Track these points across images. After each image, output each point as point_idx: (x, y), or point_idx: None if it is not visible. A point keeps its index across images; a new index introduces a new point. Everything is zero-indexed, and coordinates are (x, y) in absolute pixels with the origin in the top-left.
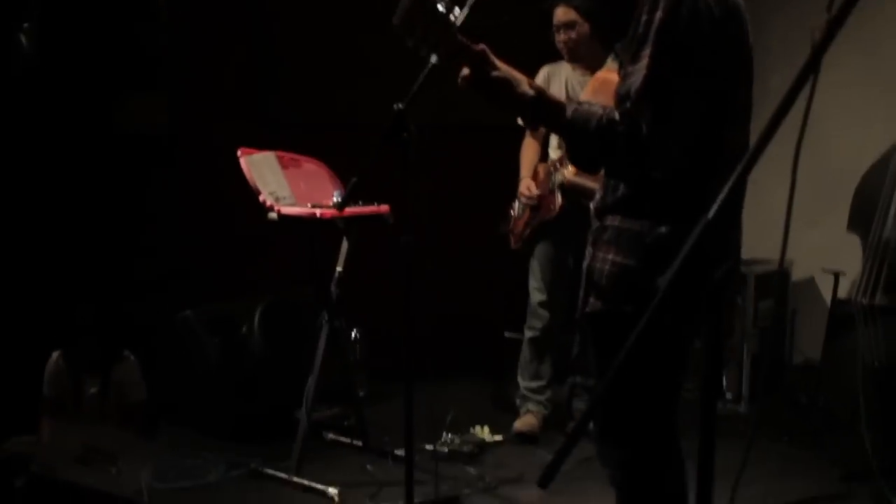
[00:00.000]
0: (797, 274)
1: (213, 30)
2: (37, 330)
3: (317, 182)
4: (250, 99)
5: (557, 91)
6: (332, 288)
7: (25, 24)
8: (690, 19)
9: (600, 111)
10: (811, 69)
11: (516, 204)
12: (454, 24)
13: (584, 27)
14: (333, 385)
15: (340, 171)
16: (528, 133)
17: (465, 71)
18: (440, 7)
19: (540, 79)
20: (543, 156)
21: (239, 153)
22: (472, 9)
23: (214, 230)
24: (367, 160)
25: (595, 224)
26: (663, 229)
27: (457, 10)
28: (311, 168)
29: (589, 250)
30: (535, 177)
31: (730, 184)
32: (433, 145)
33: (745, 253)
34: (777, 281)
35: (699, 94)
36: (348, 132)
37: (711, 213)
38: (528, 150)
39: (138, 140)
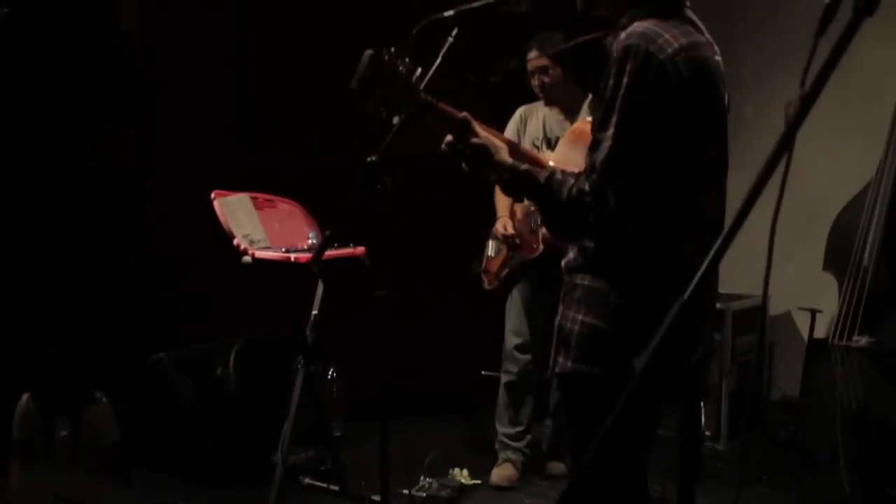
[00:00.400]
0: (774, 309)
1: (188, 63)
2: (5, 371)
3: (292, 223)
4: (225, 133)
5: (534, 132)
6: (308, 331)
7: None
8: (657, 83)
9: (571, 181)
10: (786, 146)
11: (490, 243)
12: (417, 83)
13: (558, 70)
14: (309, 426)
15: (317, 204)
16: None
17: (449, 137)
18: (401, 68)
19: (516, 120)
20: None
21: (213, 195)
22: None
23: (189, 268)
24: (340, 213)
25: (566, 281)
26: (632, 291)
27: (419, 70)
28: (287, 209)
29: (560, 308)
30: (512, 216)
31: (705, 266)
32: (407, 178)
33: (722, 288)
34: (759, 317)
35: (668, 159)
36: (325, 165)
37: (687, 294)
38: None
39: (110, 175)
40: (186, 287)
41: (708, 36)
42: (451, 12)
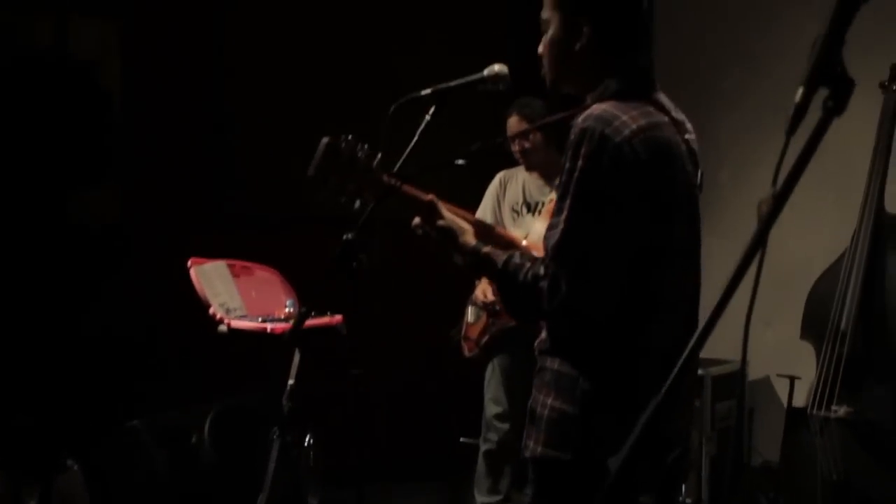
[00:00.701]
0: (753, 374)
1: (169, 123)
2: None
3: (269, 291)
4: (205, 192)
5: (514, 196)
6: (284, 401)
7: None
8: (612, 166)
9: (528, 265)
10: (758, 244)
11: (470, 309)
12: (378, 168)
13: (538, 136)
14: (285, 496)
15: (294, 266)
16: None
17: (417, 220)
18: (359, 154)
19: (496, 185)
20: None
21: (189, 263)
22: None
23: (165, 331)
24: (316, 290)
25: (538, 363)
26: (601, 374)
27: (379, 155)
28: (264, 276)
29: (533, 390)
30: (490, 283)
31: (679, 364)
32: (384, 242)
33: (701, 353)
34: (738, 382)
35: (624, 241)
36: (303, 226)
37: (661, 394)
38: None
39: (89, 234)
40: (162, 351)
41: (677, 115)
42: (427, 91)
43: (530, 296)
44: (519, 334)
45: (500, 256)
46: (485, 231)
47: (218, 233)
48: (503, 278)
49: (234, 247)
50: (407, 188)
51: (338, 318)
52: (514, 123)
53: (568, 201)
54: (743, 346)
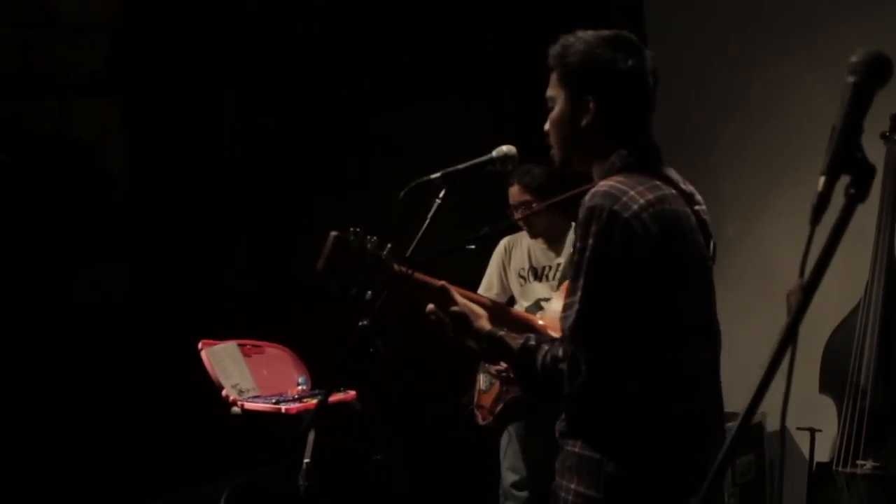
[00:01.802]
0: (771, 427)
1: (170, 201)
2: None
3: (281, 369)
4: (208, 267)
5: (520, 262)
6: (301, 480)
7: None
8: (623, 243)
9: (546, 348)
10: (791, 336)
11: (481, 377)
12: (386, 259)
13: (541, 203)
14: None
15: (302, 338)
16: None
17: (430, 307)
18: (368, 246)
19: (500, 251)
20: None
21: (200, 346)
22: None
23: (175, 409)
24: (333, 376)
25: (560, 446)
26: (624, 458)
27: (388, 246)
28: (275, 353)
29: (556, 475)
30: None
31: (715, 467)
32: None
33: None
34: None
35: (640, 317)
36: (310, 298)
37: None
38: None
39: (94, 313)
40: (173, 429)
41: (686, 187)
42: (437, 175)
43: (550, 379)
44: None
45: (516, 340)
46: (500, 313)
47: (222, 310)
48: (521, 363)
49: (239, 324)
50: (418, 276)
51: (351, 393)
52: (516, 193)
53: (581, 281)
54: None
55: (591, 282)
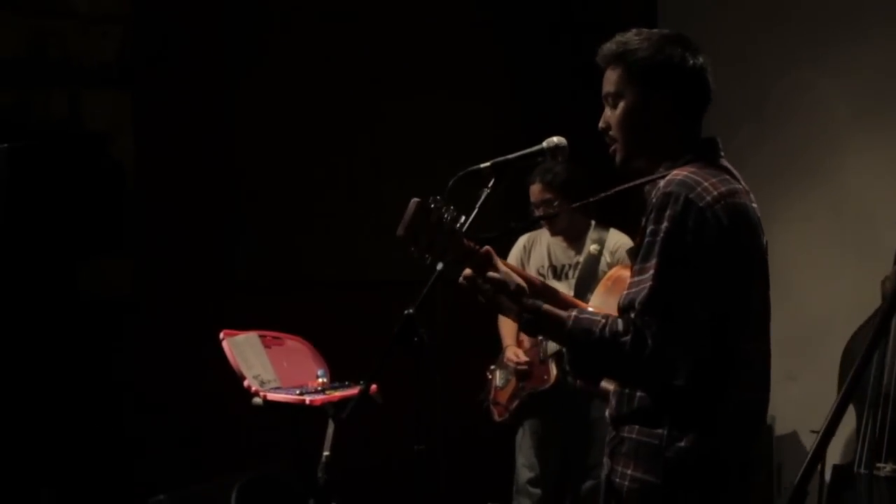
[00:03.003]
0: (779, 429)
1: (179, 193)
2: None
3: (300, 361)
4: (218, 261)
5: (539, 260)
6: (320, 474)
7: None
8: (697, 230)
9: (602, 321)
10: (889, 319)
11: (498, 373)
12: (460, 231)
13: (563, 202)
14: None
15: (312, 332)
16: None
17: (468, 271)
18: (446, 216)
19: (519, 248)
20: None
21: (221, 335)
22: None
23: (184, 403)
24: (375, 366)
25: (611, 433)
26: (683, 443)
27: (462, 218)
28: (294, 346)
29: (606, 461)
30: (519, 344)
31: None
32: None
33: None
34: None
35: (706, 304)
36: (318, 291)
37: None
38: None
39: (102, 306)
40: (184, 422)
41: (744, 184)
42: (487, 164)
43: (608, 352)
44: (549, 398)
45: (564, 313)
46: (551, 296)
47: (231, 304)
48: (575, 334)
49: (248, 318)
50: (476, 249)
51: (374, 386)
52: (538, 191)
53: (654, 261)
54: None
55: (665, 263)
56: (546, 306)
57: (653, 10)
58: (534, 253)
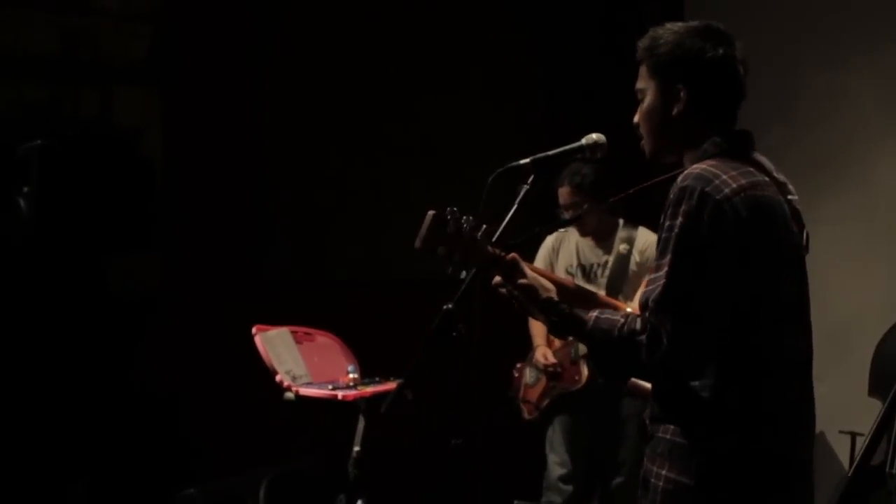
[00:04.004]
0: None
1: (209, 190)
2: None
3: (331, 356)
4: (246, 260)
5: (568, 259)
6: (350, 469)
7: (25, 189)
8: (713, 224)
9: (620, 321)
10: None
11: (527, 371)
12: (482, 239)
13: (593, 203)
14: None
15: (340, 329)
16: None
17: (497, 278)
18: (464, 225)
19: (548, 247)
20: None
21: (254, 331)
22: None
23: (213, 397)
24: (412, 363)
25: (650, 432)
26: (716, 444)
27: (483, 226)
28: (325, 342)
29: (645, 461)
30: (549, 344)
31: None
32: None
33: None
34: None
35: (724, 299)
36: (349, 290)
37: None
38: None
39: (131, 302)
40: (213, 417)
41: (779, 175)
42: (526, 160)
43: (627, 351)
44: (579, 396)
45: (587, 313)
46: (585, 297)
47: (259, 301)
48: (595, 335)
49: (276, 315)
50: (503, 256)
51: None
52: (567, 193)
53: (668, 257)
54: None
55: (678, 258)
56: (570, 309)
57: (679, 9)
58: (562, 252)
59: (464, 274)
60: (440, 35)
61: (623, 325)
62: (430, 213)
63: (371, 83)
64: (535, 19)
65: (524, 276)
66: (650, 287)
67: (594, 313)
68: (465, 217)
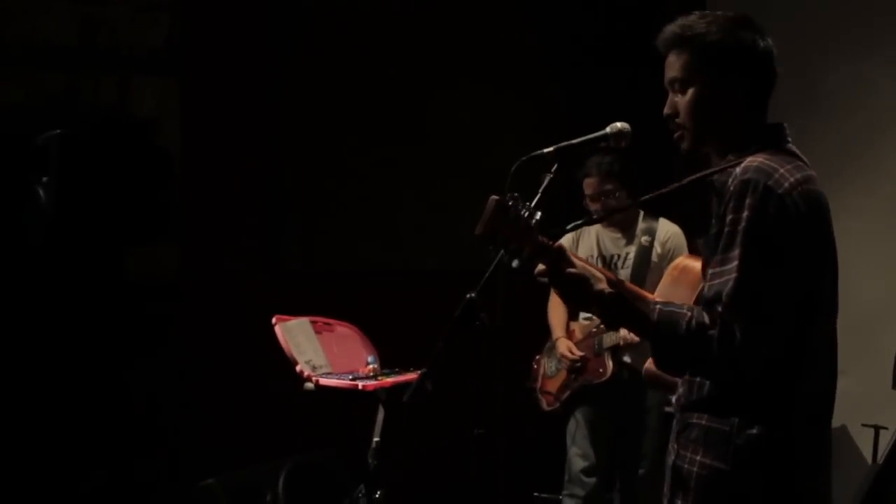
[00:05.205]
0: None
1: (226, 180)
2: (47, 497)
3: (350, 347)
4: (263, 250)
5: (588, 249)
6: (370, 459)
7: (45, 178)
8: (777, 217)
9: (688, 313)
10: None
11: (546, 361)
12: (536, 227)
13: (623, 193)
14: None
15: (358, 319)
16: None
17: (541, 266)
18: (523, 212)
19: (568, 238)
20: (572, 313)
21: (274, 321)
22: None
23: (232, 387)
24: (436, 350)
25: (678, 419)
26: (754, 430)
27: (538, 214)
28: (344, 332)
29: (673, 447)
30: (569, 335)
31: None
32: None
33: None
34: None
35: (791, 292)
36: (366, 280)
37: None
38: (558, 307)
39: (150, 291)
40: (233, 407)
41: (811, 170)
42: (550, 149)
43: (696, 345)
44: (601, 387)
45: (650, 305)
46: (618, 285)
47: (276, 291)
48: (661, 327)
49: (293, 305)
50: (550, 244)
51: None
52: (596, 183)
53: (737, 251)
54: None
55: (748, 252)
56: (628, 296)
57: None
58: (582, 242)
59: (516, 263)
60: (459, 23)
61: (691, 318)
62: (493, 198)
63: (389, 73)
64: (553, 10)
65: (573, 265)
66: (718, 280)
67: (657, 305)
68: (524, 203)
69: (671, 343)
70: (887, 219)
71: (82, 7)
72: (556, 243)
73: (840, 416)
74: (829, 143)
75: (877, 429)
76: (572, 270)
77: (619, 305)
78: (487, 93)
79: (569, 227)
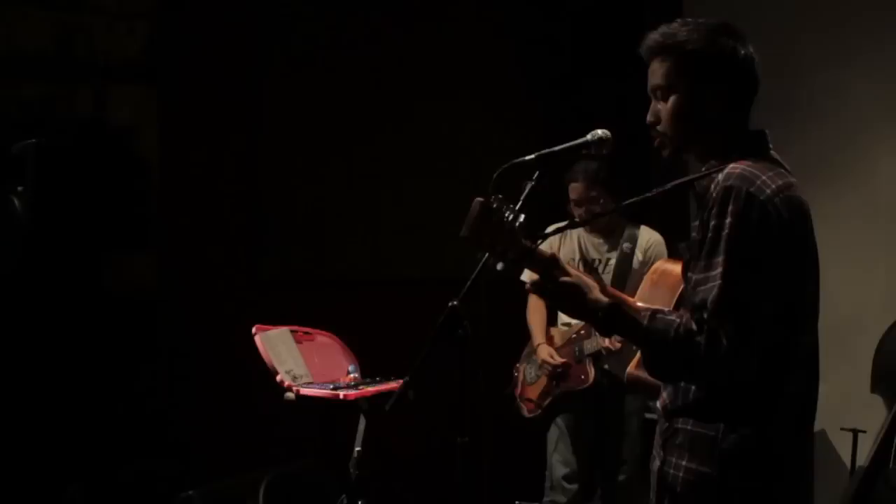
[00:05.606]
0: None
1: (204, 189)
2: None
3: (331, 356)
4: (241, 259)
5: (569, 253)
6: (352, 469)
7: (20, 188)
8: (760, 224)
9: (676, 320)
10: None
11: (526, 367)
12: (519, 231)
13: (609, 199)
14: None
15: (337, 329)
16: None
17: (534, 276)
18: (507, 215)
19: (549, 240)
20: (551, 318)
21: (254, 331)
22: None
23: (211, 399)
24: (418, 359)
25: (663, 425)
26: (739, 435)
27: (522, 216)
28: (324, 341)
29: (658, 452)
30: (549, 341)
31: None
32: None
33: None
34: None
35: (774, 298)
36: (345, 290)
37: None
38: (537, 313)
39: (127, 301)
40: (212, 418)
41: (793, 177)
42: (532, 156)
43: (683, 351)
44: (581, 393)
45: (642, 313)
46: (603, 290)
47: (255, 301)
48: (651, 334)
49: (272, 315)
50: (538, 250)
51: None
52: (581, 188)
53: (721, 257)
54: None
55: (732, 259)
56: (623, 304)
57: (678, 8)
58: (564, 246)
59: (500, 266)
60: (439, 33)
61: (679, 325)
62: (478, 200)
63: (369, 82)
64: (530, 19)
65: (567, 273)
66: (703, 287)
67: (647, 312)
68: (508, 206)
69: (661, 350)
70: (863, 225)
71: (59, 15)
72: (550, 253)
73: (819, 421)
74: (806, 149)
75: (855, 433)
76: (566, 279)
77: (612, 314)
78: (467, 102)
79: (549, 229)
